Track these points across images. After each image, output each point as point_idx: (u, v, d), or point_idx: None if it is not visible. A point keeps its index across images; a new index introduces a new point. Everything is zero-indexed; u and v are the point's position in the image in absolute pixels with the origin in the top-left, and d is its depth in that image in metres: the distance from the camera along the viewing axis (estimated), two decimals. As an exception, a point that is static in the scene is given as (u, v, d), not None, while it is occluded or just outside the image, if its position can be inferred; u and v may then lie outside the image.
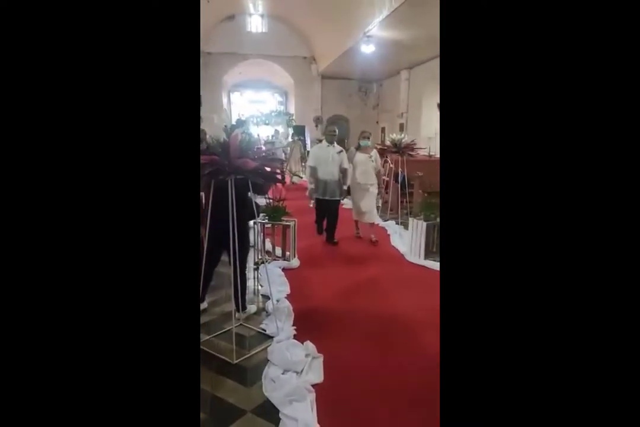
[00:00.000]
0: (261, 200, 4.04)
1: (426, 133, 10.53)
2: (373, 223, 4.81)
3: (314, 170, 4.47)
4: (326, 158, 4.44)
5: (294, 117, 13.65)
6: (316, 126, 13.57)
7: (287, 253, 3.80)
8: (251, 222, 3.17)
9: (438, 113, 10.12)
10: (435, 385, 1.93)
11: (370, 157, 4.63)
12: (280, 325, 2.51)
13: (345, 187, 4.57)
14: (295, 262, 3.81)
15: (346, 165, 4.51)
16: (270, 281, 2.80)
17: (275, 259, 3.78)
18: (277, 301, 2.86)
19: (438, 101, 9.91)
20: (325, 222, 4.69)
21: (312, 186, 4.48)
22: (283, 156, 9.34)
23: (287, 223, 3.75)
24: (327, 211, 4.58)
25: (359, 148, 4.68)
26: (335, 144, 4.58)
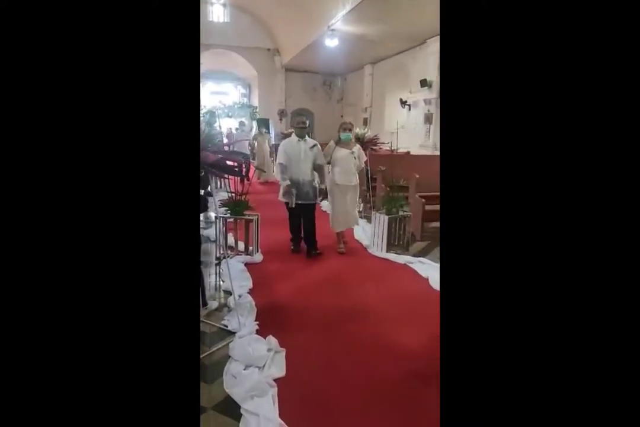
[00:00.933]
0: (223, 194, 3.98)
1: (389, 128, 10.67)
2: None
3: (284, 168, 3.81)
4: (297, 154, 3.81)
5: (257, 110, 13.48)
6: (280, 119, 13.46)
7: (250, 248, 3.76)
8: (213, 216, 3.12)
9: (401, 108, 10.29)
10: (397, 376, 1.99)
11: (352, 153, 3.96)
12: (243, 320, 2.49)
13: (322, 187, 3.94)
14: (258, 257, 3.78)
15: (321, 161, 3.91)
16: (233, 276, 2.76)
17: (238, 254, 3.74)
18: (240, 296, 2.83)
19: (401, 96, 10.09)
20: (301, 231, 3.99)
21: (284, 185, 3.82)
22: (248, 150, 9.10)
23: (250, 217, 3.71)
24: (301, 217, 3.91)
25: (338, 142, 4.01)
26: (307, 137, 3.92)
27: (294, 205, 3.85)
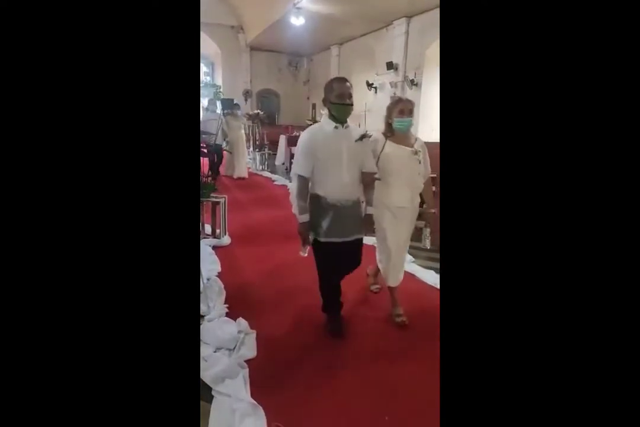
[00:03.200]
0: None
1: (356, 110, 10.65)
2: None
3: (305, 186, 2.05)
4: (336, 154, 1.99)
5: (221, 90, 13.08)
6: (245, 100, 13.14)
7: (217, 231, 3.71)
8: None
9: (367, 90, 10.27)
10: (367, 353, 2.03)
11: (416, 152, 2.21)
12: (211, 304, 2.47)
13: (371, 211, 2.19)
14: (226, 240, 3.73)
15: (371, 165, 2.13)
16: (200, 260, 2.72)
17: (205, 237, 3.68)
18: (208, 279, 2.80)
19: (367, 79, 10.05)
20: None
21: (302, 220, 2.04)
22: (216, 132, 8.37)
23: (217, 200, 3.65)
24: (343, 263, 2.19)
25: (389, 134, 2.25)
26: (350, 123, 2.05)
27: (308, 249, 2.16)
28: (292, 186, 2.15)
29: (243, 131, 7.83)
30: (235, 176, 7.59)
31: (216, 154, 6.74)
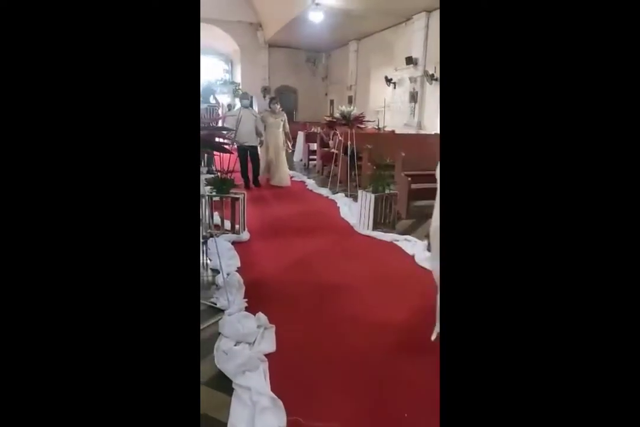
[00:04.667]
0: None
1: (374, 106, 10.57)
2: None
3: None
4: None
5: (240, 87, 13.16)
6: (264, 97, 13.19)
7: (237, 226, 3.75)
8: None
9: (386, 86, 10.18)
10: (382, 350, 2.04)
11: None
12: (231, 298, 2.50)
13: None
14: (245, 235, 3.76)
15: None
16: (220, 255, 2.75)
17: (224, 233, 3.72)
18: (228, 274, 2.83)
19: (386, 74, 9.97)
20: None
21: None
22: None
23: (236, 196, 3.68)
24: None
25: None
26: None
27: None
28: None
29: (282, 130, 6.29)
30: (272, 183, 6.29)
31: (250, 156, 6.06)
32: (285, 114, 6.43)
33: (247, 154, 6.04)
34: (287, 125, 6.41)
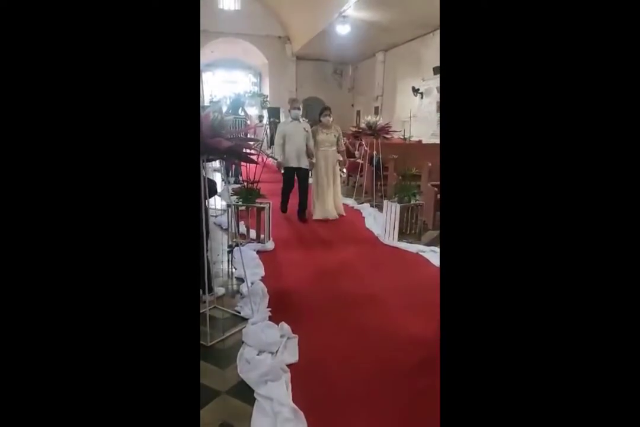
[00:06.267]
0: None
1: (401, 116, 10.54)
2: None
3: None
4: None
5: (268, 99, 13.40)
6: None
7: (262, 235, 3.78)
8: (224, 205, 3.12)
9: (413, 96, 10.14)
10: (407, 364, 1.99)
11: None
12: (255, 307, 2.51)
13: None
14: (270, 245, 3.79)
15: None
16: (245, 264, 2.78)
17: (249, 242, 3.75)
18: (252, 283, 2.85)
19: (413, 84, 9.94)
20: None
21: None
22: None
23: (262, 205, 3.72)
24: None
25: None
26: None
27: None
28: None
29: (336, 149, 4.92)
30: (319, 217, 4.78)
31: (299, 182, 4.68)
32: (339, 129, 5.05)
33: (294, 179, 4.62)
34: (342, 142, 5.05)
